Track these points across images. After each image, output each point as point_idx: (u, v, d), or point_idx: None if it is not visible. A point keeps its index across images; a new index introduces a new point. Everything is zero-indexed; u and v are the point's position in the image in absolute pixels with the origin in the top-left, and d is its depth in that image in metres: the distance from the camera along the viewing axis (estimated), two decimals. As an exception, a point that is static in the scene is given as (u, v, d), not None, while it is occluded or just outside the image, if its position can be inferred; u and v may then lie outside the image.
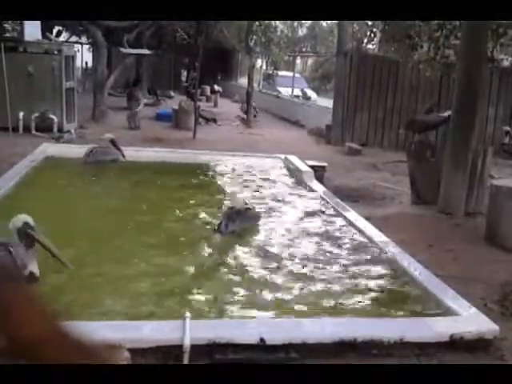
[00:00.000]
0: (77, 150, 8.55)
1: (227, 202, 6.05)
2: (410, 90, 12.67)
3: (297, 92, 21.92)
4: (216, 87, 20.94)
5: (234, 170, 8.40)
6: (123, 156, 7.82)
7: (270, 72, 21.76)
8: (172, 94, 21.33)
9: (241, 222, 5.22)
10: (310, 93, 24.41)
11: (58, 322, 1.03)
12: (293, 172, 8.24)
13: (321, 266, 4.64)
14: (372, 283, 4.33)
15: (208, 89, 21.27)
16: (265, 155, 9.44)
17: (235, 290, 4.02)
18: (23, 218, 3.67)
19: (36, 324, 0.98)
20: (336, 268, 4.62)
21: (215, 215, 5.63)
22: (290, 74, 22.85)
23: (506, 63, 13.75)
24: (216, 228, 5.18)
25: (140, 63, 20.97)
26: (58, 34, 17.98)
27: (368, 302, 4.03)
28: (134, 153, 8.30)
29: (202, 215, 5.79)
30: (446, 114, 7.89)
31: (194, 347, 3.03)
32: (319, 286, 4.21)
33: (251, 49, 16.02)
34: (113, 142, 7.80)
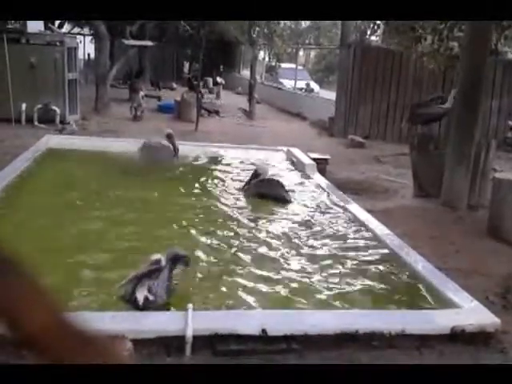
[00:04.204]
0: (79, 142, 8.57)
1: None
2: (414, 82, 12.61)
3: (301, 85, 21.85)
4: (218, 79, 20.86)
5: (236, 162, 8.39)
6: (176, 154, 7.77)
7: (273, 64, 21.67)
8: (174, 85, 21.28)
9: (263, 188, 6.37)
10: (313, 85, 24.34)
11: (62, 312, 1.04)
12: (295, 164, 8.23)
13: (321, 257, 4.65)
14: (374, 275, 4.34)
15: (210, 81, 21.21)
16: (267, 148, 9.43)
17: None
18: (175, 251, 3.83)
19: (39, 314, 0.99)
20: (337, 260, 4.63)
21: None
22: (293, 66, 22.77)
23: (510, 56, 13.69)
24: (242, 188, 6.58)
25: (142, 55, 20.90)
26: (61, 25, 17.92)
27: (369, 294, 4.04)
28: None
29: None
30: (447, 105, 7.87)
31: (196, 338, 3.05)
32: (319, 278, 4.22)
33: (254, 40, 15.96)
34: (169, 137, 7.83)
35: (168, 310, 3.52)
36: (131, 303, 3.48)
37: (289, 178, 7.45)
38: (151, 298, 3.48)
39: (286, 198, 6.33)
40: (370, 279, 4.28)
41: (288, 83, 21.68)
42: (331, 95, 15.53)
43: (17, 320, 0.98)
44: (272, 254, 4.67)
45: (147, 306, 3.45)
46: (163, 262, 3.63)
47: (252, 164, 7.83)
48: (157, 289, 3.53)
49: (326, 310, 3.72)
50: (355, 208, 6.03)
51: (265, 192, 6.32)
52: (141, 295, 3.47)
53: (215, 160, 8.45)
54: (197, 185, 6.97)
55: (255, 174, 6.58)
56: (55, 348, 0.99)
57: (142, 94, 13.66)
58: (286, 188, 6.54)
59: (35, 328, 0.98)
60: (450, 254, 5.14)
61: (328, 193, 6.71)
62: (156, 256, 3.65)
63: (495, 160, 7.74)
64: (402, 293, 4.12)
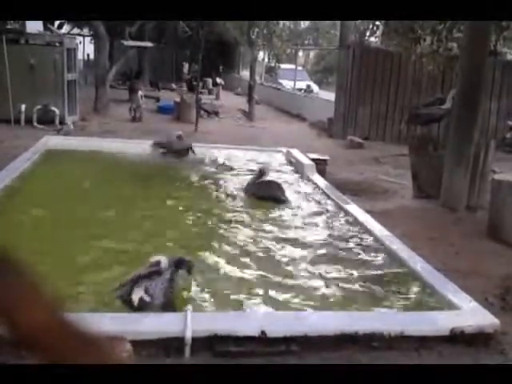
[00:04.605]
0: (78, 143, 8.57)
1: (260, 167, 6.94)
2: (413, 83, 12.62)
3: (300, 85, 21.86)
4: (218, 80, 20.87)
5: (235, 163, 8.39)
6: (192, 150, 8.20)
7: (272, 65, 21.67)
8: (174, 86, 21.28)
9: (262, 190, 6.40)
10: (312, 86, 24.36)
11: (61, 312, 1.04)
12: (294, 165, 8.23)
13: (320, 259, 4.65)
14: (373, 277, 4.34)
15: (210, 81, 21.21)
16: (266, 149, 9.43)
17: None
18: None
19: (39, 314, 0.98)
20: (336, 261, 4.62)
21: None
22: (292, 66, 22.78)
23: (509, 56, 13.71)
24: (244, 188, 6.59)
25: (142, 56, 20.91)
26: (60, 26, 17.92)
27: (368, 296, 4.03)
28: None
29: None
30: (446, 105, 7.88)
31: (195, 339, 3.04)
32: (318, 279, 4.22)
33: (253, 41, 15.96)
34: (179, 138, 8.35)
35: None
36: (127, 304, 3.47)
37: (288, 179, 7.44)
38: (147, 298, 3.46)
39: (284, 199, 6.34)
40: (368, 280, 4.27)
41: (287, 84, 21.69)
42: (330, 96, 15.53)
43: (16, 320, 0.97)
44: (271, 254, 4.67)
45: (143, 307, 3.43)
46: (163, 264, 3.61)
47: (251, 163, 7.86)
48: (154, 290, 3.50)
49: (325, 311, 3.72)
50: (354, 209, 6.02)
51: (264, 194, 6.33)
52: (136, 295, 3.45)
53: (215, 161, 8.44)
54: (196, 185, 6.97)
55: (260, 173, 6.61)
56: (57, 348, 0.99)
57: (140, 93, 13.65)
58: (285, 189, 6.55)
59: (35, 328, 0.97)
60: (449, 255, 5.13)
61: (327, 194, 6.70)
62: (156, 258, 3.64)
63: (494, 161, 7.73)
64: (401, 294, 4.11)
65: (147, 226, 5.15)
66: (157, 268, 3.57)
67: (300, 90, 20.83)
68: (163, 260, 3.63)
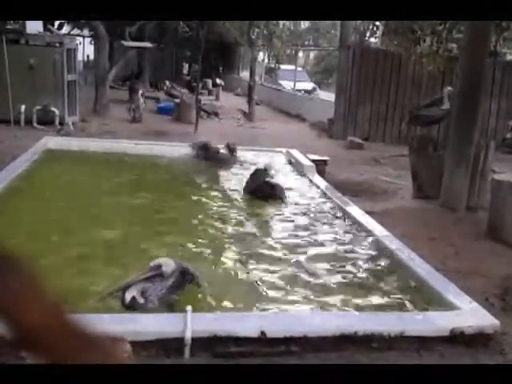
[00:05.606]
0: (78, 144, 8.57)
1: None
2: (413, 83, 12.62)
3: (306, 86, 21.90)
4: (218, 80, 20.87)
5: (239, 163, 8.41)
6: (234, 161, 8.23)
7: (272, 65, 21.68)
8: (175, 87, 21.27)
9: (261, 189, 6.37)
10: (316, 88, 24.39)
11: (63, 310, 1.04)
12: (294, 166, 8.23)
13: (321, 259, 4.65)
14: (372, 277, 4.34)
15: (210, 82, 21.22)
16: (266, 149, 9.43)
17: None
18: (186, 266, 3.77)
19: (39, 313, 0.98)
20: (336, 262, 4.62)
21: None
22: (292, 67, 22.79)
23: (509, 57, 13.71)
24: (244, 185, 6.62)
25: (142, 56, 20.90)
26: (60, 26, 17.91)
27: (368, 296, 4.03)
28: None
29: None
30: (445, 105, 7.88)
31: (194, 340, 3.04)
32: (318, 280, 4.22)
33: (253, 42, 15.96)
34: (228, 147, 8.34)
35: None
36: (120, 301, 3.45)
37: (288, 180, 7.44)
38: (141, 300, 3.43)
39: (283, 199, 6.35)
40: (368, 280, 4.27)
41: (287, 84, 21.70)
42: (330, 96, 15.54)
43: (17, 319, 0.97)
44: (270, 254, 4.67)
45: (134, 307, 3.40)
46: (164, 268, 3.57)
47: (251, 163, 7.87)
48: (151, 293, 3.47)
49: (325, 311, 3.72)
50: (354, 209, 6.02)
51: (263, 193, 6.33)
52: (129, 295, 3.43)
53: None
54: (196, 183, 6.98)
55: (262, 173, 6.62)
56: (58, 347, 0.99)
57: (141, 92, 13.63)
58: (284, 189, 6.54)
59: (36, 327, 0.97)
60: (449, 255, 5.13)
61: (327, 194, 6.70)
62: (156, 261, 3.60)
63: (494, 161, 7.73)
64: (401, 294, 4.11)
65: (147, 226, 5.15)
66: (157, 271, 3.54)
67: (301, 90, 20.83)
68: (165, 264, 3.57)
